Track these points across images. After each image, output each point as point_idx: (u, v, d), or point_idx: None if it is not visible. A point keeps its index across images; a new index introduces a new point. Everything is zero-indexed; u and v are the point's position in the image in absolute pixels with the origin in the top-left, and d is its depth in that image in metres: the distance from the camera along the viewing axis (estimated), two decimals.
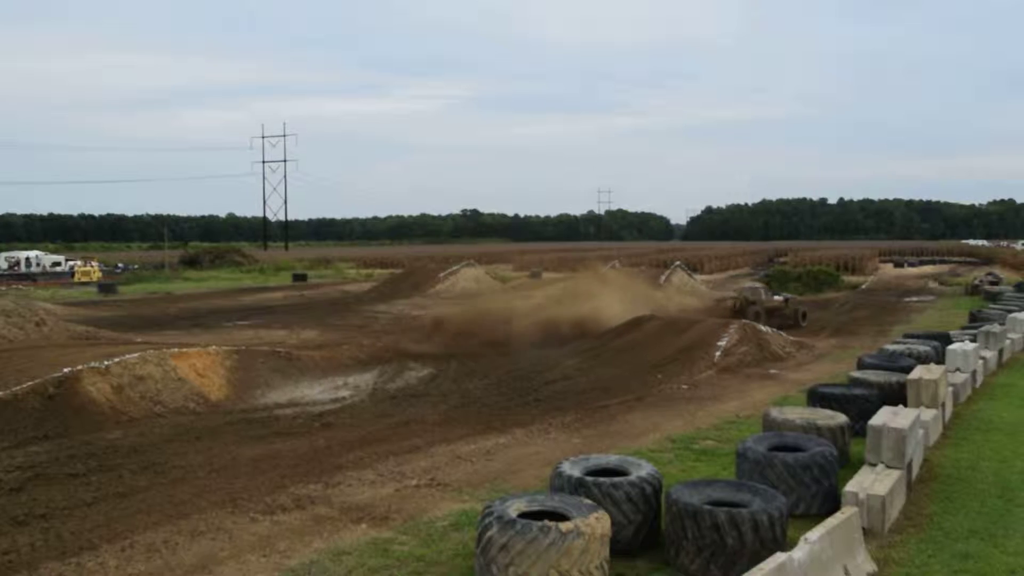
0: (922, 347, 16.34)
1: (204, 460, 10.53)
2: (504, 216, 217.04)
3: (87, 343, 18.61)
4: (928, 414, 10.61)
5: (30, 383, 12.44)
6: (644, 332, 20.75)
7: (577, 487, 7.30)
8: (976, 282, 41.33)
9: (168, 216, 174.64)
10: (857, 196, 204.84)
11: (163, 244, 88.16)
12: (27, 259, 59.08)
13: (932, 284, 48.22)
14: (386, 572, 7.00)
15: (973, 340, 16.63)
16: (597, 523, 6.18)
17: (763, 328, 20.94)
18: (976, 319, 23.60)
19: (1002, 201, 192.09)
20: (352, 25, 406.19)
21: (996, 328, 18.24)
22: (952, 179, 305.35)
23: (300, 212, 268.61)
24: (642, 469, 7.69)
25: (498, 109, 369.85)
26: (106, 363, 13.33)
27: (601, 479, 7.39)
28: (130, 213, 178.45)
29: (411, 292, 40.19)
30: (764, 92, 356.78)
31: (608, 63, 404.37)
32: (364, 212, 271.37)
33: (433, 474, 9.97)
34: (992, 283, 39.72)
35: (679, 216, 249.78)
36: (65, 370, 12.89)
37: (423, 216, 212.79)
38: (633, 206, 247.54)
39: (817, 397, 11.76)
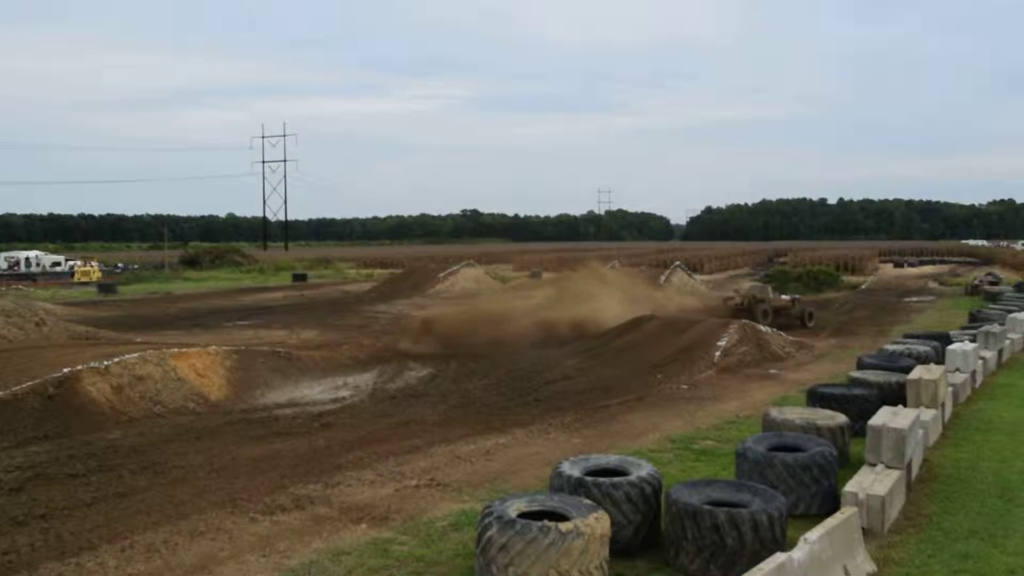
0: (922, 347, 16.34)
1: (204, 460, 10.53)
2: (504, 216, 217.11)
3: (87, 343, 18.61)
4: (928, 414, 10.61)
5: (30, 383, 12.44)
6: (644, 332, 20.74)
7: (577, 487, 7.30)
8: (976, 282, 41.33)
9: (168, 216, 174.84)
10: (857, 196, 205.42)
11: (163, 244, 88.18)
12: (27, 259, 59.08)
13: (932, 284, 48.21)
14: (386, 572, 7.00)
15: (973, 340, 16.63)
16: (597, 523, 6.18)
17: (763, 328, 20.94)
18: (976, 319, 23.59)
19: (1002, 201, 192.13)
20: (352, 25, 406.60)
21: (996, 328, 18.23)
22: (952, 179, 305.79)
23: (300, 212, 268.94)
24: (642, 469, 7.69)
25: (498, 109, 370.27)
26: (106, 363, 13.33)
27: (601, 479, 7.39)
28: (130, 213, 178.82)
29: (411, 292, 40.18)
30: (764, 92, 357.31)
31: (608, 63, 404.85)
32: (364, 212, 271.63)
33: (433, 474, 9.97)
34: (992, 283, 39.71)
35: (679, 216, 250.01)
36: (65, 370, 12.89)
37: (423, 216, 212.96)
38: (633, 206, 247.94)
39: (817, 397, 11.77)
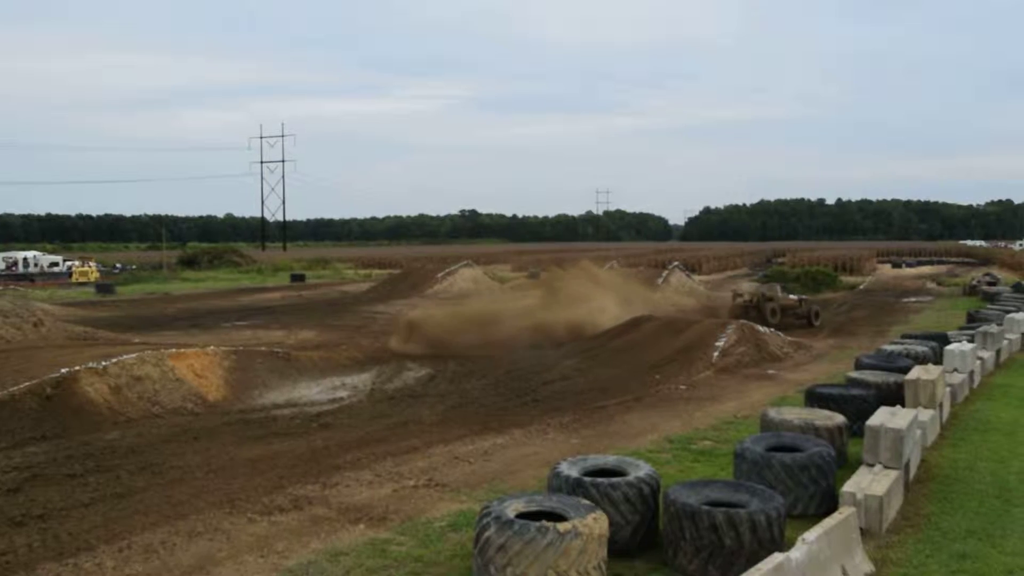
0: (920, 347, 16.36)
1: (202, 461, 10.53)
2: (502, 216, 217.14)
3: (85, 343, 18.60)
4: (926, 414, 10.62)
5: (28, 383, 12.42)
6: (642, 332, 20.75)
7: (575, 487, 7.29)
8: (974, 283, 41.38)
9: (166, 216, 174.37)
10: (855, 196, 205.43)
11: (161, 244, 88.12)
12: (24, 259, 59.01)
13: (930, 284, 48.27)
14: (384, 572, 7.00)
15: (971, 340, 16.65)
16: (595, 523, 6.18)
17: (761, 328, 20.96)
18: (974, 319, 23.62)
19: (1000, 202, 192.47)
20: (351, 25, 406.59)
21: (994, 328, 18.26)
22: (950, 180, 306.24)
23: (298, 212, 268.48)
24: (640, 469, 7.69)
25: (497, 109, 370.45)
26: (104, 364, 13.31)
27: (599, 479, 7.39)
28: (128, 213, 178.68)
29: (409, 292, 40.16)
30: (763, 92, 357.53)
31: (607, 63, 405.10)
32: (362, 212, 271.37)
33: (431, 475, 9.97)
34: (990, 283, 39.76)
35: (677, 217, 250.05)
36: (63, 371, 12.87)
37: (421, 216, 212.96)
38: (631, 206, 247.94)
39: (815, 397, 11.78)
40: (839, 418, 10.21)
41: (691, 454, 10.82)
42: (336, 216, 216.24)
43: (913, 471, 9.31)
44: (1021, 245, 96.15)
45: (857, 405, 11.24)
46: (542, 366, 17.91)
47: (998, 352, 17.89)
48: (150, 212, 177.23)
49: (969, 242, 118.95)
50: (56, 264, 59.46)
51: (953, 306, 33.71)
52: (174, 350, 14.88)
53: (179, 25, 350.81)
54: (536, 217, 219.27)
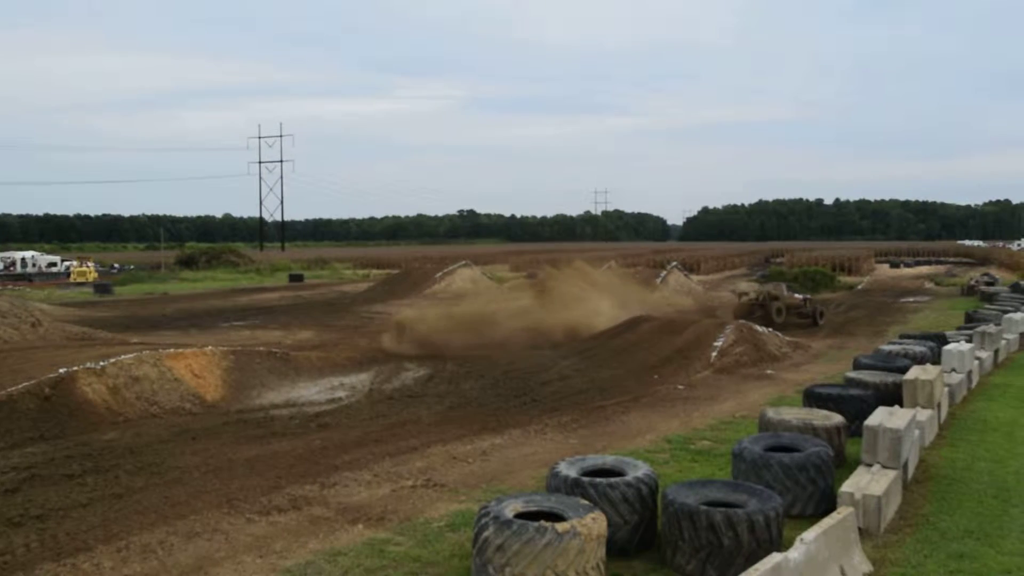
0: (918, 347, 16.37)
1: (200, 461, 10.51)
2: (501, 216, 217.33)
3: (83, 344, 18.58)
4: (924, 414, 10.63)
5: (26, 384, 12.40)
6: (640, 333, 20.75)
7: (573, 487, 7.30)
8: (972, 283, 41.42)
9: (164, 216, 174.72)
10: (853, 197, 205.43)
11: (159, 244, 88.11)
12: (23, 259, 59.01)
13: (928, 285, 48.31)
14: (382, 573, 7.00)
15: (969, 340, 16.67)
16: (594, 524, 6.19)
17: (759, 328, 20.97)
18: (972, 319, 23.66)
19: (998, 202, 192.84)
20: (350, 26, 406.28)
21: (992, 328, 18.28)
22: (948, 180, 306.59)
23: (297, 212, 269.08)
24: (638, 469, 7.69)
25: (495, 110, 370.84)
26: (102, 364, 13.30)
27: (597, 479, 7.39)
28: (126, 213, 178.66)
29: (408, 293, 40.14)
30: (761, 93, 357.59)
31: (606, 64, 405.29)
32: (361, 212, 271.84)
33: (429, 475, 9.97)
34: (988, 284, 39.81)
35: (676, 217, 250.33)
36: (61, 371, 12.86)
37: (420, 216, 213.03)
38: (630, 207, 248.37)
39: (813, 397, 11.78)
40: (837, 418, 10.22)
41: (689, 454, 10.82)
42: (335, 216, 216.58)
43: (911, 471, 9.32)
44: (1019, 245, 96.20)
45: (855, 405, 11.25)
46: (540, 366, 17.90)
47: (996, 352, 17.90)
48: (148, 212, 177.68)
49: (967, 242, 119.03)
50: (54, 264, 59.46)
51: (951, 306, 33.75)
52: (172, 350, 14.87)
53: (178, 25, 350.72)
54: (535, 217, 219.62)
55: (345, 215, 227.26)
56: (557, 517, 6.34)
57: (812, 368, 18.51)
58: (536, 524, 6.05)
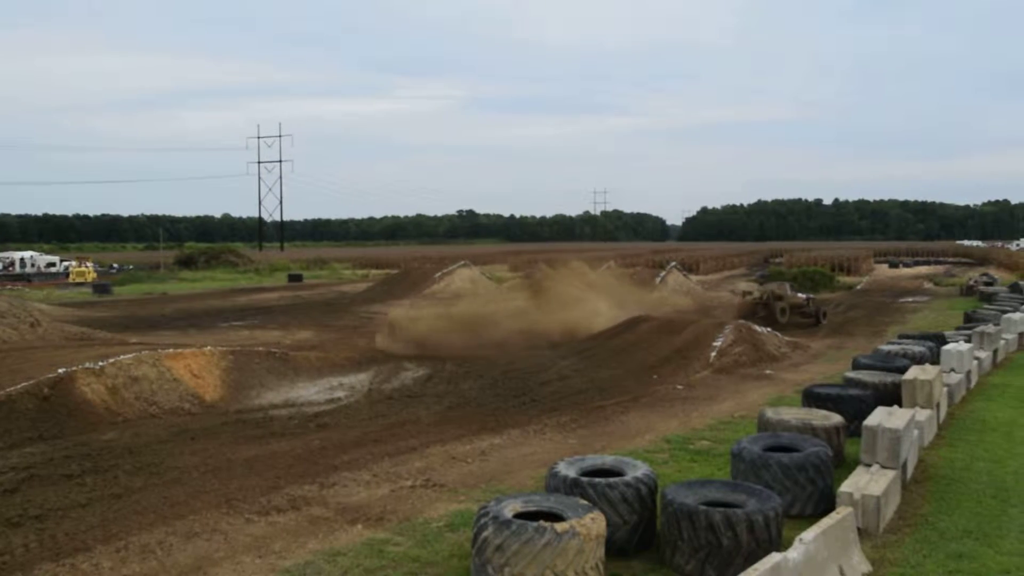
0: (917, 347, 16.38)
1: (199, 461, 10.51)
2: (500, 217, 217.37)
3: (82, 344, 18.57)
4: (923, 414, 10.64)
5: (25, 384, 12.39)
6: (639, 333, 20.76)
7: (573, 487, 7.29)
8: (971, 283, 41.43)
9: (163, 216, 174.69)
10: (852, 197, 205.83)
11: (158, 244, 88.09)
12: (22, 260, 58.96)
13: (927, 285, 48.33)
14: (381, 573, 7.00)
15: (968, 340, 16.68)
16: (593, 524, 6.19)
17: (758, 328, 20.98)
18: (971, 319, 23.68)
19: (996, 202, 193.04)
20: (350, 26, 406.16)
21: (991, 328, 18.28)
22: (947, 180, 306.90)
23: (296, 212, 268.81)
24: (638, 469, 7.69)
25: (495, 110, 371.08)
26: (101, 364, 13.29)
27: (597, 479, 7.39)
28: (125, 213, 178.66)
29: (407, 293, 40.11)
30: (761, 93, 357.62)
31: (606, 64, 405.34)
32: (360, 212, 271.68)
33: (428, 475, 9.97)
34: (987, 284, 39.82)
35: (675, 217, 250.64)
36: (60, 371, 12.84)
37: (419, 216, 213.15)
38: (629, 207, 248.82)
39: (812, 397, 11.78)
40: (836, 418, 10.22)
41: (688, 454, 10.82)
42: (334, 216, 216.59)
43: (910, 471, 9.32)
44: (1018, 245, 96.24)
45: (854, 405, 11.25)
46: (539, 366, 17.90)
47: (995, 352, 17.91)
48: (147, 212, 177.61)
49: (966, 242, 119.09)
50: (53, 264, 59.41)
51: (950, 306, 33.76)
52: (171, 350, 14.86)
53: (177, 25, 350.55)
54: (534, 217, 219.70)
55: (344, 215, 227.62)
56: (556, 517, 6.34)
57: (811, 368, 18.51)
58: (535, 524, 6.05)
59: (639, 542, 7.31)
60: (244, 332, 25.63)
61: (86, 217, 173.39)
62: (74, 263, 57.96)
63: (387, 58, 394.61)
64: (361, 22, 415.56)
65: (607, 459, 8.26)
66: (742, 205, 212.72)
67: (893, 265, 73.17)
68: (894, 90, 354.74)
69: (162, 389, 13.52)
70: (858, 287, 47.59)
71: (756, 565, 5.37)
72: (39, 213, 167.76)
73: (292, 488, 9.38)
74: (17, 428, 11.45)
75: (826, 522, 6.45)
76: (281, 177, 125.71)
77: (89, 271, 54.79)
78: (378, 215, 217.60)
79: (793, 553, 5.73)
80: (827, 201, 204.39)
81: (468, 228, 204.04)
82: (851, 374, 13.42)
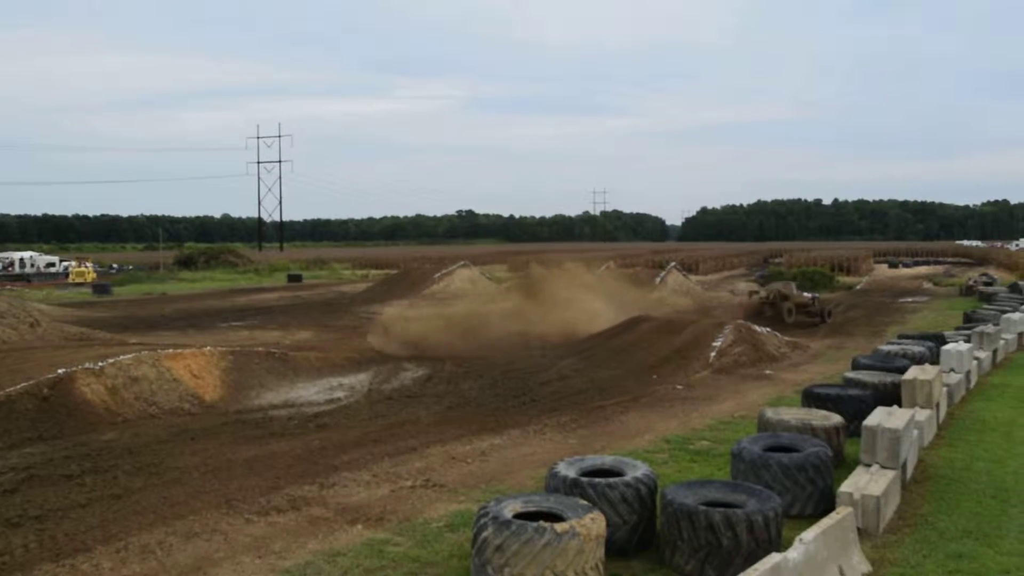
0: (917, 347, 16.38)
1: (199, 461, 10.51)
2: (500, 217, 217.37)
3: (81, 344, 18.57)
4: (923, 414, 10.64)
5: (24, 384, 12.39)
6: (639, 333, 20.75)
7: (572, 488, 7.29)
8: (970, 283, 41.43)
9: (163, 217, 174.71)
10: (852, 197, 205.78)
11: (158, 245, 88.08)
12: (21, 260, 58.94)
13: (926, 285, 48.33)
14: (381, 573, 7.00)
15: (967, 340, 16.68)
16: (592, 524, 6.19)
17: (758, 328, 20.98)
18: (970, 320, 23.68)
19: (996, 202, 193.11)
20: (350, 26, 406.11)
21: (990, 329, 18.29)
22: (947, 180, 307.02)
23: (295, 213, 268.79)
24: (637, 470, 7.69)
25: (495, 110, 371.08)
26: (100, 364, 13.29)
27: (596, 480, 7.39)
28: (125, 214, 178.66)
29: (406, 293, 40.10)
30: (761, 93, 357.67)
31: (606, 64, 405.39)
32: (359, 213, 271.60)
33: (428, 475, 9.97)
34: (986, 284, 39.83)
35: (674, 217, 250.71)
36: (59, 371, 12.85)
37: (419, 217, 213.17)
38: (628, 207, 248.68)
39: (812, 397, 11.78)
40: (836, 418, 10.22)
41: (688, 454, 10.82)
42: (333, 216, 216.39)
43: (910, 471, 9.32)
44: (1017, 245, 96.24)
45: (854, 405, 11.26)
46: (539, 366, 17.91)
47: (995, 352, 17.92)
48: (147, 212, 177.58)
49: (966, 242, 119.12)
50: (53, 264, 59.40)
51: (950, 306, 33.76)
52: (171, 350, 14.86)
53: (176, 25, 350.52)
54: (533, 217, 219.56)
55: (344, 215, 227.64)
56: (556, 517, 6.34)
57: (811, 368, 18.51)
58: (535, 524, 6.05)
59: (639, 542, 7.31)
60: (244, 332, 25.63)
61: (85, 217, 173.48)
62: (74, 263, 57.95)
63: (387, 58, 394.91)
64: (361, 22, 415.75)
65: (607, 459, 8.26)
66: (742, 205, 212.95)
67: (893, 265, 73.18)
68: (894, 90, 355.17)
69: (162, 389, 13.52)
70: (857, 287, 47.60)
71: (756, 565, 5.37)
72: (39, 213, 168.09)
73: (292, 488, 9.38)
74: (17, 428, 11.45)
75: (826, 522, 6.45)
76: (281, 177, 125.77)
77: (88, 271, 54.78)
78: (377, 215, 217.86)
79: (793, 553, 5.73)
80: (827, 201, 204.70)
81: (468, 228, 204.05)
82: (851, 374, 13.42)
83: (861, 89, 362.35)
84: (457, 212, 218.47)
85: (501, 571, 5.98)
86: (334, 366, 16.71)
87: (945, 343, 16.02)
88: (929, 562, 7.05)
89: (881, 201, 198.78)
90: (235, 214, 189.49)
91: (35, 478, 9.61)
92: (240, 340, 22.43)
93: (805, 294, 29.91)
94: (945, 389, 12.74)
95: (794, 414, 10.43)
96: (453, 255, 68.22)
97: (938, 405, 11.88)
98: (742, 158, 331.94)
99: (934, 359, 15.06)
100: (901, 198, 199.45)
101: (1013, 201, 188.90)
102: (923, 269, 67.71)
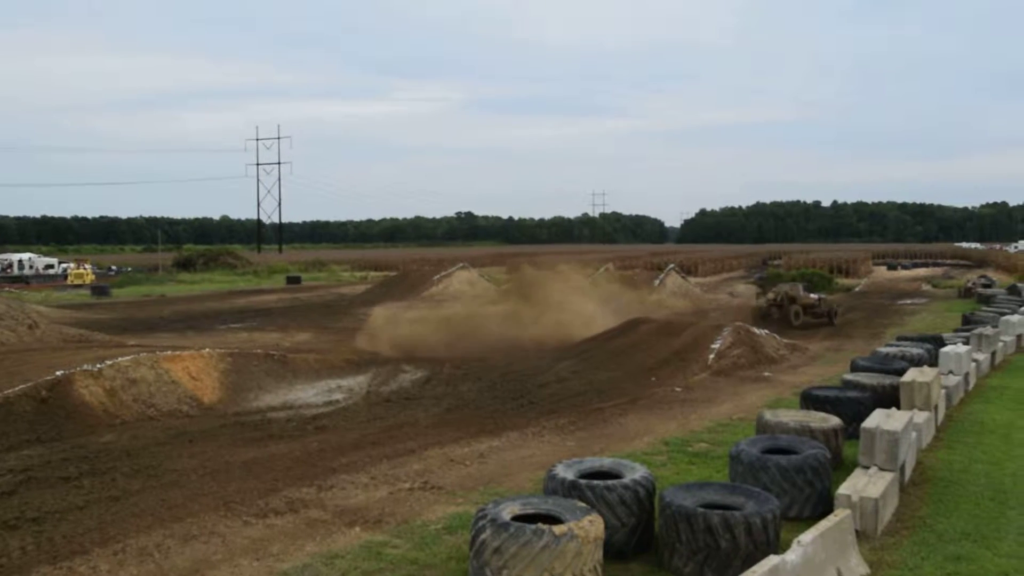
0: (915, 349, 16.39)
1: (197, 463, 10.50)
2: (499, 219, 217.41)
3: (80, 346, 18.56)
4: (921, 416, 10.64)
5: (23, 386, 12.39)
6: (638, 335, 20.75)
7: (571, 490, 7.29)
8: (969, 285, 41.46)
9: (162, 218, 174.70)
10: (851, 199, 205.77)
11: (157, 246, 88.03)
12: (20, 261, 58.80)
13: (925, 287, 48.37)
14: (379, 575, 6.99)
15: (966, 343, 16.68)
16: (591, 526, 6.18)
17: (757, 330, 20.98)
18: (969, 322, 23.70)
19: (995, 204, 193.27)
20: (348, 27, 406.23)
21: (989, 331, 18.29)
22: (945, 182, 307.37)
23: (294, 214, 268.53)
24: (636, 472, 7.69)
25: (494, 111, 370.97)
26: (99, 366, 13.28)
27: (595, 482, 7.39)
28: (124, 215, 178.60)
29: (405, 295, 40.10)
30: (760, 95, 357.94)
31: (606, 65, 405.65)
32: (359, 215, 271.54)
33: (426, 477, 9.96)
34: (985, 286, 39.85)
35: (673, 219, 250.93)
36: (58, 373, 12.84)
37: (418, 219, 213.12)
38: (627, 209, 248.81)
39: (810, 400, 11.78)
40: (835, 420, 10.23)
41: (687, 456, 10.82)
42: (332, 218, 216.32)
43: (908, 473, 9.32)
44: (1016, 247, 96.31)
45: (853, 407, 11.25)
46: (537, 369, 17.90)
47: (993, 354, 17.92)
48: (146, 214, 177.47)
49: (964, 244, 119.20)
50: (51, 266, 59.28)
51: (948, 308, 33.78)
52: (169, 352, 14.85)
53: (175, 26, 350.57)
54: (532, 219, 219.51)
55: (343, 217, 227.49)
56: (554, 520, 6.33)
57: (809, 370, 18.52)
58: (533, 527, 6.04)
59: (637, 544, 7.31)
60: (242, 334, 25.62)
61: (84, 219, 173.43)
62: (72, 265, 57.91)
63: (386, 59, 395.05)
64: (360, 23, 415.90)
65: (605, 461, 8.26)
66: (740, 207, 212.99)
67: (891, 267, 73.30)
68: (893, 91, 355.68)
69: (160, 391, 13.51)
70: (856, 289, 47.63)
71: (754, 567, 5.37)
72: (38, 215, 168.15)
73: (290, 490, 9.37)
74: (15, 430, 11.44)
75: (824, 524, 6.45)
76: (280, 179, 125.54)
77: (87, 273, 54.78)
78: (376, 217, 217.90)
79: (791, 555, 5.73)
80: (825, 203, 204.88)
81: (467, 230, 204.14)
82: (849, 376, 13.42)
83: (860, 89, 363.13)
84: (456, 214, 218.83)
85: (499, 573, 5.98)
86: (333, 368, 16.71)
87: (944, 345, 16.03)
88: (927, 564, 7.05)
89: (880, 203, 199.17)
90: (234, 216, 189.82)
91: (33, 480, 9.60)
92: (239, 342, 22.42)
93: (811, 295, 30.01)
94: (943, 391, 12.74)
95: (792, 416, 10.43)
96: (452, 257, 68.20)
97: (936, 407, 11.88)
98: (741, 160, 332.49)
99: (933, 361, 15.07)
100: (900, 200, 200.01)
101: (1012, 203, 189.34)
102: (922, 271, 67.83)
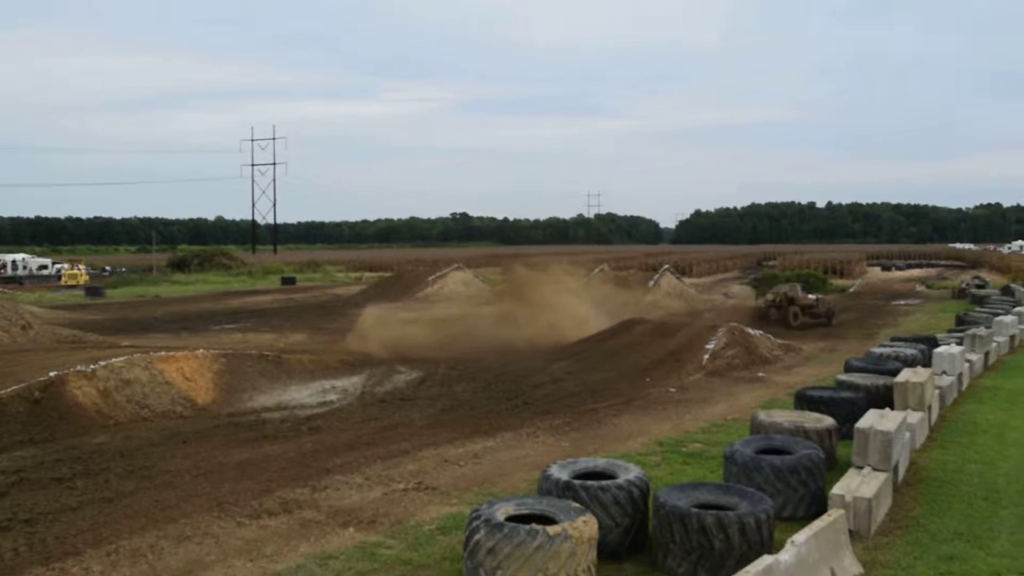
0: (909, 350, 16.43)
1: (191, 464, 10.48)
2: (493, 219, 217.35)
3: (73, 347, 18.51)
4: (915, 417, 10.66)
5: (16, 387, 12.34)
6: (633, 335, 20.76)
7: (565, 490, 7.30)
8: (963, 285, 41.57)
9: (156, 219, 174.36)
10: (845, 200, 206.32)
11: (151, 247, 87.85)
12: (13, 262, 58.65)
13: (919, 287, 48.48)
14: None
15: (960, 343, 16.73)
16: (585, 526, 6.19)
17: (751, 331, 21.01)
18: (963, 322, 23.75)
19: (988, 205, 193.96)
20: (343, 28, 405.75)
21: (982, 331, 18.35)
22: (939, 183, 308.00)
23: (289, 215, 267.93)
24: (630, 472, 7.70)
25: (488, 112, 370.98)
26: (92, 367, 13.24)
27: (589, 482, 7.40)
28: (118, 216, 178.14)
29: (400, 296, 40.09)
30: (754, 95, 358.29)
31: (601, 66, 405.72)
32: (353, 215, 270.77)
33: (421, 478, 9.95)
34: (979, 286, 39.96)
35: (668, 220, 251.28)
36: (51, 374, 12.80)
37: (412, 219, 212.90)
38: (622, 210, 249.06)
39: (804, 400, 11.81)
40: (828, 421, 10.25)
41: (681, 457, 10.83)
42: (327, 219, 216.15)
43: (902, 473, 9.35)
44: (1009, 248, 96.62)
45: (846, 408, 11.28)
46: (532, 369, 17.89)
47: (987, 355, 17.97)
48: (140, 215, 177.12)
49: (958, 245, 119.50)
50: (45, 267, 59.16)
51: (942, 309, 33.86)
52: (163, 353, 14.81)
53: (172, 27, 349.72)
54: (527, 220, 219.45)
55: (338, 218, 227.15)
56: (548, 520, 6.34)
57: (803, 371, 18.55)
58: (527, 527, 6.05)
59: (631, 545, 7.32)
60: (237, 335, 25.58)
61: (78, 219, 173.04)
62: (66, 265, 57.75)
63: (381, 60, 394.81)
64: (356, 24, 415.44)
65: (599, 462, 8.27)
66: (735, 208, 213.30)
67: (886, 268, 73.39)
68: (887, 92, 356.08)
69: (154, 392, 13.48)
70: (851, 290, 47.71)
71: (748, 567, 5.38)
72: (32, 215, 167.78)
73: (284, 491, 9.36)
74: (7, 431, 11.41)
75: (818, 524, 6.46)
76: (275, 179, 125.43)
77: (81, 274, 54.62)
78: (372, 218, 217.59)
79: (785, 555, 5.74)
80: (820, 204, 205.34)
81: (462, 231, 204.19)
82: (843, 377, 13.46)
83: (855, 90, 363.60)
84: (451, 215, 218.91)
85: (493, 574, 5.98)
86: (327, 369, 16.68)
87: (937, 346, 16.07)
88: (920, 564, 7.07)
89: (874, 204, 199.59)
90: (229, 216, 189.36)
91: (25, 481, 9.57)
92: (233, 343, 22.38)
93: (810, 296, 30.12)
94: (937, 391, 12.78)
95: (786, 416, 10.45)
96: (447, 258, 68.09)
97: (930, 407, 11.91)
98: (736, 161, 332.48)
99: (926, 362, 15.11)
100: (894, 201, 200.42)
101: (1006, 204, 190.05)
102: (916, 272, 67.95)
